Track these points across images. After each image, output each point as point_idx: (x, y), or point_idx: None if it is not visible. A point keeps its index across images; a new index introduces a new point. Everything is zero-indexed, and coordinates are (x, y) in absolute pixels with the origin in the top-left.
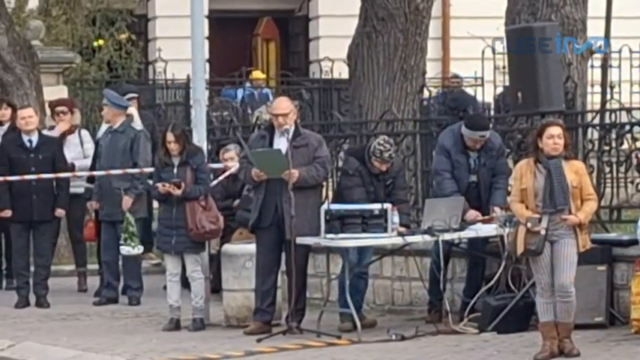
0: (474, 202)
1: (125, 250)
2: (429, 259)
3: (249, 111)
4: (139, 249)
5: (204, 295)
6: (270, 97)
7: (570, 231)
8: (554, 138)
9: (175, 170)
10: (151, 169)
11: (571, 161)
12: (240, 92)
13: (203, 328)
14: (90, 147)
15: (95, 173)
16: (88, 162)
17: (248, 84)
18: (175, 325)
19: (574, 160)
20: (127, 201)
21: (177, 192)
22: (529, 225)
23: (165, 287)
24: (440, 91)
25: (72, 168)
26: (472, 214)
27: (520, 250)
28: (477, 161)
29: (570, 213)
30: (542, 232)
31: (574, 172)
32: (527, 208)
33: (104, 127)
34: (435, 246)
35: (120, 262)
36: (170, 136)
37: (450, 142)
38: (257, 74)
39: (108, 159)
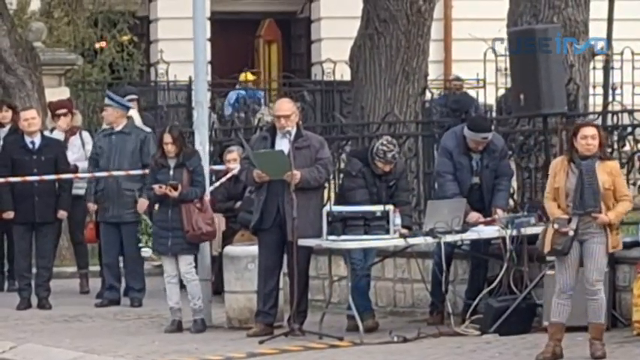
0: (476, 204)
1: (149, 252)
2: (431, 260)
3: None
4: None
5: (202, 295)
6: (262, 100)
7: (601, 230)
8: (587, 139)
9: (171, 172)
10: None
11: (605, 162)
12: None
13: (205, 329)
14: (91, 148)
15: (98, 174)
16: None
17: (238, 85)
18: (177, 327)
19: (609, 160)
20: (142, 203)
21: (174, 194)
22: (556, 226)
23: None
24: (442, 93)
25: (75, 169)
26: (474, 216)
27: (547, 249)
28: (480, 163)
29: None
30: (571, 233)
31: (607, 172)
32: (559, 206)
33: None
34: (436, 248)
35: (121, 264)
36: (167, 138)
37: (452, 143)
38: (246, 76)
39: (115, 160)
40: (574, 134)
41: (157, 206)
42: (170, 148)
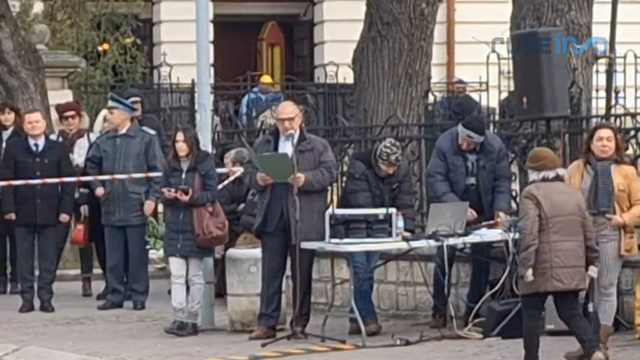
0: (474, 205)
1: (157, 254)
2: (434, 263)
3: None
4: (162, 251)
5: (201, 300)
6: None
7: (615, 232)
8: (603, 140)
9: (184, 175)
10: (157, 174)
11: (621, 165)
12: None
13: (195, 333)
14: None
15: (101, 177)
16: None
17: (256, 88)
18: (177, 327)
19: (625, 164)
20: (149, 205)
21: (185, 198)
22: None
23: (170, 291)
24: (445, 96)
25: (83, 171)
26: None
27: None
28: (476, 164)
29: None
30: None
31: (623, 176)
32: None
33: (102, 130)
34: (439, 251)
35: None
36: (179, 135)
37: (446, 144)
38: (265, 78)
39: (120, 163)
40: (590, 136)
41: (161, 207)
42: (181, 146)
